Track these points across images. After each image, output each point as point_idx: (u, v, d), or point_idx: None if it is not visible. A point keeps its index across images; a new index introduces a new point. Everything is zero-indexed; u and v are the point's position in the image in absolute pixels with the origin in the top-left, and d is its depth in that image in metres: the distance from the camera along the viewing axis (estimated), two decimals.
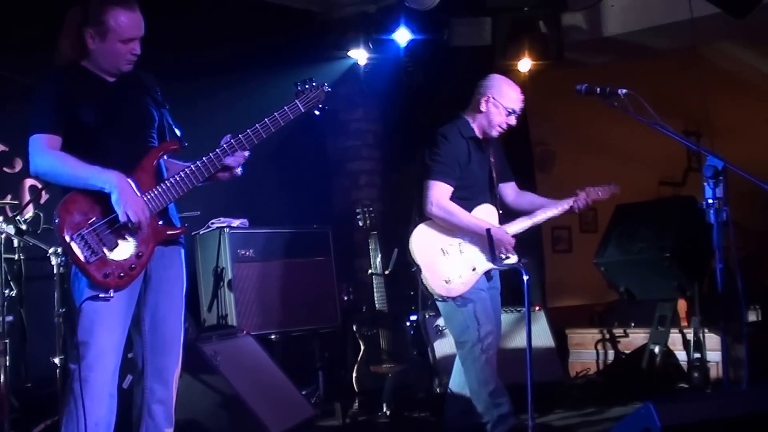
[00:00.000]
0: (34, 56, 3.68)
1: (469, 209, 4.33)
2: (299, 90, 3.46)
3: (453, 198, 4.30)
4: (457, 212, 4.27)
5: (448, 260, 4.28)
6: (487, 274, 4.35)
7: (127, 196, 3.16)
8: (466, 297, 4.28)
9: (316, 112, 3.49)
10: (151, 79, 3.45)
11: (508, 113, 4.36)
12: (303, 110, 3.45)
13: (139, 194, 3.21)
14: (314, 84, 3.49)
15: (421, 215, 4.32)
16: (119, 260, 3.17)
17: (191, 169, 3.31)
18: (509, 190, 4.61)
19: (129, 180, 3.19)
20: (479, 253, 4.30)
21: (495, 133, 4.42)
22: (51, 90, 3.22)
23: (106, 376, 3.19)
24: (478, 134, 4.43)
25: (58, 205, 3.15)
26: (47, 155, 3.17)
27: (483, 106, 4.37)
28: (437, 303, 4.39)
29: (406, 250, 4.33)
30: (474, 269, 4.29)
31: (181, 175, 3.30)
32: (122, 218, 3.15)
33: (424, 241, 4.30)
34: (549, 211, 4.49)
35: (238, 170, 3.43)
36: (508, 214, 4.51)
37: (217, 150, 3.34)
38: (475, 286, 4.30)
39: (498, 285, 4.47)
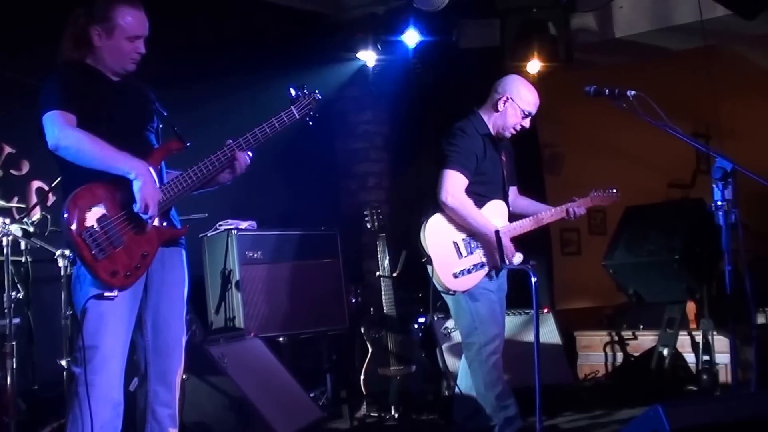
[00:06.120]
0: (41, 58, 3.69)
1: (482, 205, 4.33)
2: (293, 96, 3.49)
3: (467, 193, 4.28)
4: (470, 208, 4.25)
5: (459, 254, 4.27)
6: (496, 272, 4.34)
7: (151, 186, 3.17)
8: (474, 295, 4.27)
9: (309, 122, 3.51)
10: (151, 90, 3.47)
11: (524, 115, 4.37)
12: (297, 117, 3.48)
13: (159, 185, 3.23)
14: (306, 91, 3.50)
15: (436, 206, 4.30)
16: (126, 259, 3.17)
17: (193, 171, 3.32)
18: (510, 194, 4.60)
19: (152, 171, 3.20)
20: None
21: (508, 133, 4.43)
22: (60, 77, 3.24)
23: (112, 379, 3.19)
24: (492, 132, 4.43)
25: (66, 200, 3.14)
26: (73, 130, 3.14)
27: (500, 106, 4.37)
28: (445, 298, 4.38)
29: (419, 240, 4.31)
30: (483, 265, 4.28)
31: (183, 177, 3.31)
32: (140, 208, 3.14)
33: (438, 233, 4.28)
34: (544, 218, 4.47)
35: (240, 168, 3.40)
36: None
37: (218, 152, 3.36)
38: (483, 287, 4.29)
39: (505, 287, 4.46)
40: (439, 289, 4.31)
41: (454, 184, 4.24)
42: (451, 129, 4.38)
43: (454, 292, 4.27)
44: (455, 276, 4.23)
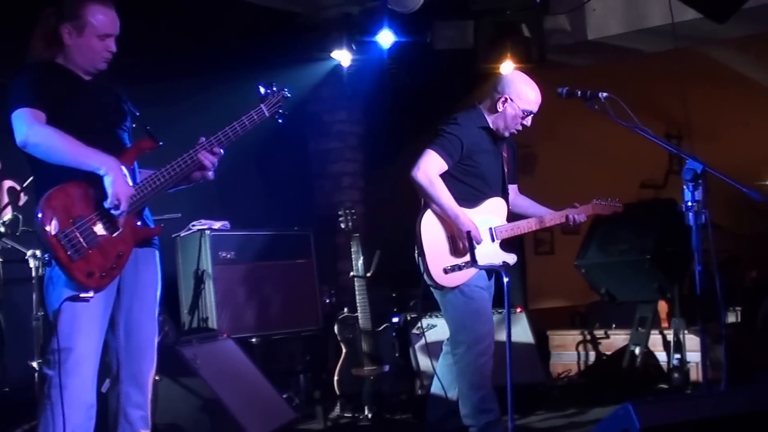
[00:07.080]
0: (11, 56, 3.65)
1: (480, 202, 4.28)
2: (263, 94, 3.48)
3: (465, 190, 4.24)
4: (439, 187, 4.15)
5: (453, 249, 4.20)
6: (488, 272, 4.28)
7: (122, 181, 3.15)
8: (465, 292, 4.21)
9: (279, 119, 3.50)
10: (123, 89, 3.46)
11: (525, 115, 4.28)
12: (267, 115, 3.46)
13: (132, 183, 3.21)
14: (275, 89, 3.50)
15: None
16: (101, 260, 3.15)
17: (166, 169, 3.31)
18: (510, 192, 4.53)
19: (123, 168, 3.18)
20: (483, 248, 4.21)
21: (508, 133, 4.34)
22: (30, 75, 3.22)
23: (85, 382, 3.16)
24: (492, 128, 4.33)
25: (40, 201, 3.10)
26: (42, 127, 3.13)
27: (500, 106, 4.27)
28: (434, 293, 4.30)
29: (413, 232, 4.22)
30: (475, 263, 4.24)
31: (157, 175, 3.29)
32: (112, 202, 3.12)
33: (433, 226, 4.21)
34: (545, 221, 4.44)
35: (210, 174, 3.42)
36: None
37: (191, 150, 3.35)
38: (474, 284, 4.21)
39: (492, 288, 4.39)
40: (429, 283, 4.24)
41: (428, 162, 4.17)
42: (447, 118, 4.30)
43: (443, 287, 4.24)
44: (446, 271, 4.15)
